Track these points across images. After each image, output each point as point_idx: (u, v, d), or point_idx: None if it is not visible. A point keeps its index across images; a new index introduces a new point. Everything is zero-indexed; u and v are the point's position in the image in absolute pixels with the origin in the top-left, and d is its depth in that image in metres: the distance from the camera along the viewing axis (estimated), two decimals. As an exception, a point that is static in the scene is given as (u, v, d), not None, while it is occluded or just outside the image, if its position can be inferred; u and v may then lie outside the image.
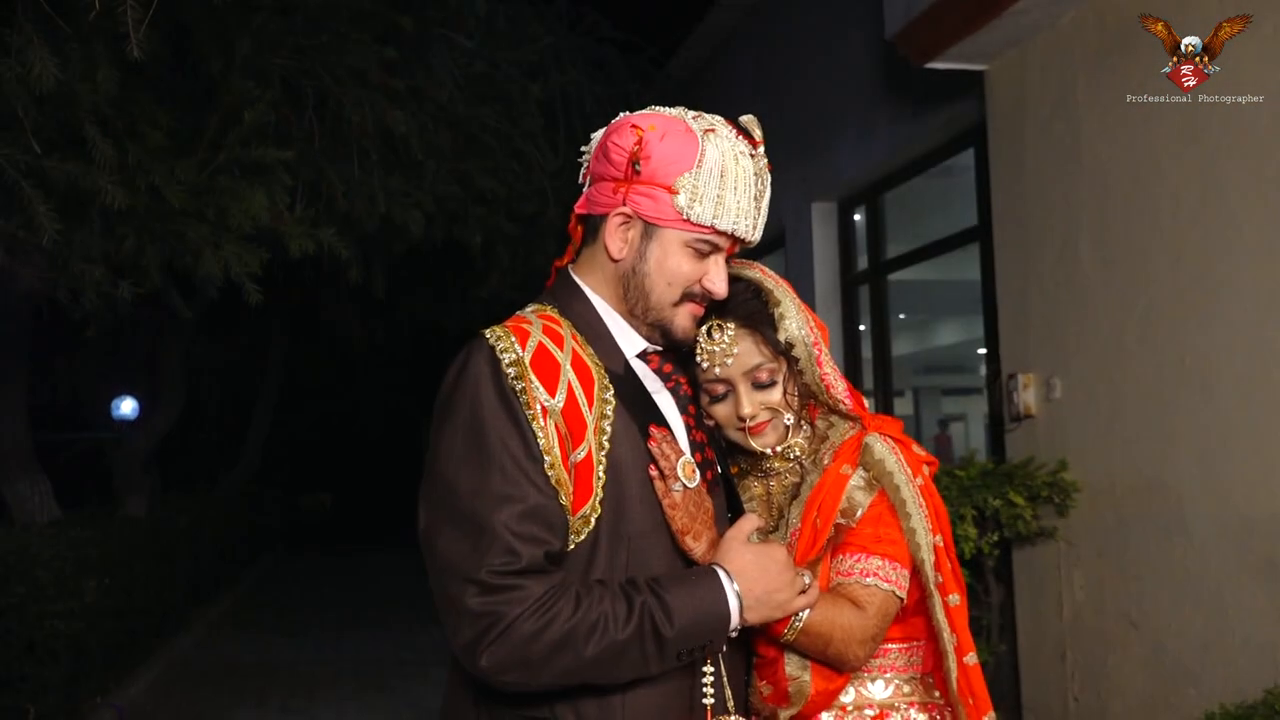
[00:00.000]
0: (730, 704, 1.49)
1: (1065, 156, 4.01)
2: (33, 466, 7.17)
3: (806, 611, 1.49)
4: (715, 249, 1.53)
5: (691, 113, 1.53)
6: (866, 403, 1.74)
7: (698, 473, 1.50)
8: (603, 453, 1.43)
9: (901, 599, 1.58)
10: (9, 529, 6.48)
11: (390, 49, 5.42)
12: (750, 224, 1.52)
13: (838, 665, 1.56)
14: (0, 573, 5.21)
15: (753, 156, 1.51)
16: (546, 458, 1.37)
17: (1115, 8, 3.74)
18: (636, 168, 1.48)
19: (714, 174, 1.47)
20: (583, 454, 1.41)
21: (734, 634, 1.45)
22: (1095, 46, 3.84)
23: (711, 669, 1.48)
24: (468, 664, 1.35)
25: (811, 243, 6.67)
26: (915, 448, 1.66)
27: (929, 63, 4.44)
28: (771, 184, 1.58)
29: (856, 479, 1.61)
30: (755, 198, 1.52)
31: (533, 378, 1.40)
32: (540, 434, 1.38)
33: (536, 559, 1.34)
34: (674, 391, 1.59)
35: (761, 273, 1.67)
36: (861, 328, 6.51)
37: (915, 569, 1.59)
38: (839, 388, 1.65)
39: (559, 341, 1.46)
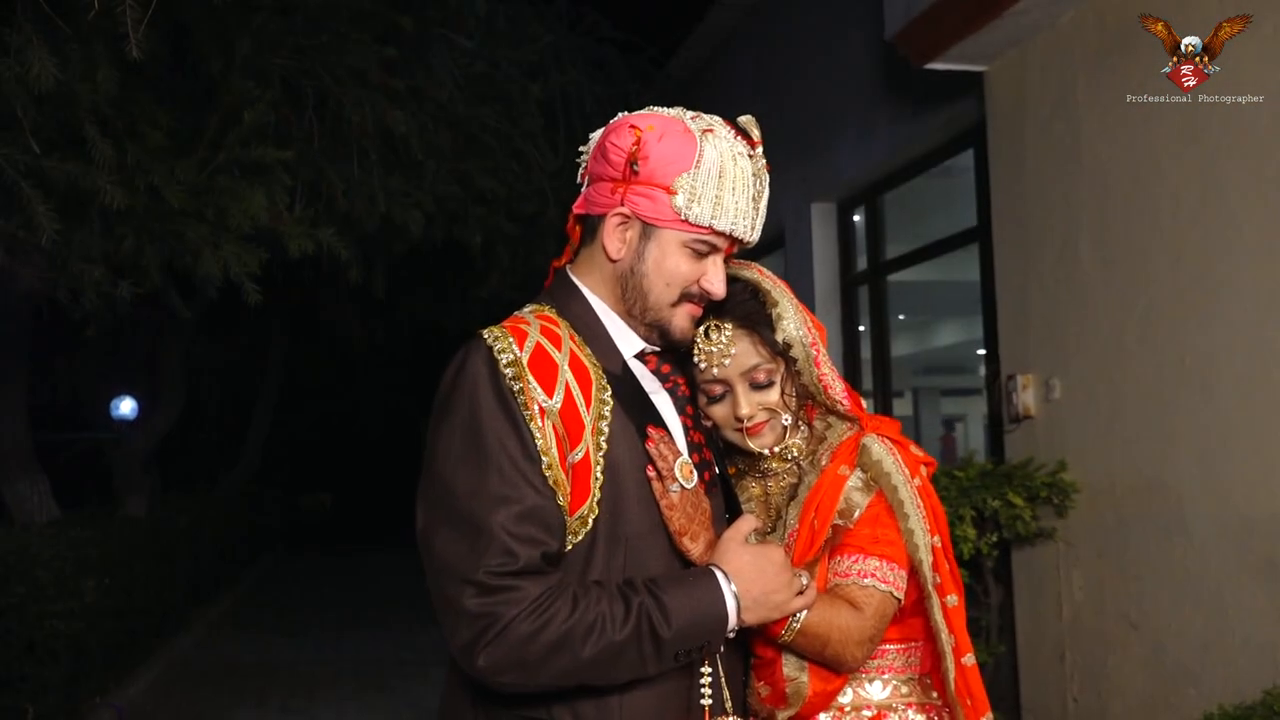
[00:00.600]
0: (728, 705, 1.48)
1: (1065, 156, 4.01)
2: (33, 466, 7.17)
3: (804, 612, 1.49)
4: (713, 249, 1.53)
5: (690, 113, 1.53)
6: (865, 403, 1.74)
7: (695, 473, 1.49)
8: (600, 453, 1.42)
9: (899, 600, 1.58)
10: (9, 529, 6.48)
11: (390, 49, 5.42)
12: (748, 224, 1.52)
13: (835, 666, 1.55)
14: (0, 573, 5.21)
15: (751, 157, 1.51)
16: (544, 458, 1.37)
17: (1115, 8, 3.74)
18: (634, 168, 1.48)
19: (712, 174, 1.47)
20: (580, 455, 1.41)
21: (732, 635, 1.45)
22: (1095, 46, 3.84)
23: (709, 670, 1.48)
24: (465, 665, 1.35)
25: (811, 243, 6.66)
26: (913, 448, 1.66)
27: (929, 63, 4.44)
28: (771, 184, 1.57)
29: (854, 480, 1.60)
30: (754, 198, 1.52)
31: (530, 378, 1.40)
32: (538, 434, 1.38)
33: (534, 560, 1.33)
34: (672, 392, 1.59)
35: (759, 273, 1.67)
36: (861, 328, 6.50)
37: (913, 570, 1.59)
38: (837, 388, 1.65)
39: (557, 342, 1.46)
